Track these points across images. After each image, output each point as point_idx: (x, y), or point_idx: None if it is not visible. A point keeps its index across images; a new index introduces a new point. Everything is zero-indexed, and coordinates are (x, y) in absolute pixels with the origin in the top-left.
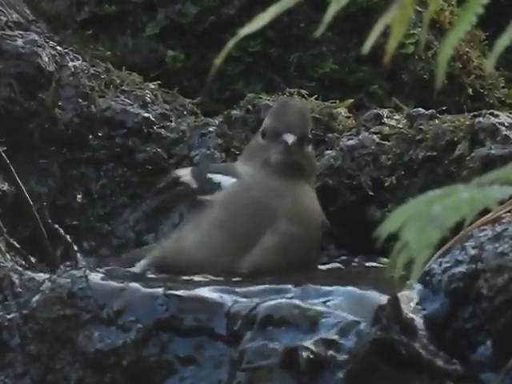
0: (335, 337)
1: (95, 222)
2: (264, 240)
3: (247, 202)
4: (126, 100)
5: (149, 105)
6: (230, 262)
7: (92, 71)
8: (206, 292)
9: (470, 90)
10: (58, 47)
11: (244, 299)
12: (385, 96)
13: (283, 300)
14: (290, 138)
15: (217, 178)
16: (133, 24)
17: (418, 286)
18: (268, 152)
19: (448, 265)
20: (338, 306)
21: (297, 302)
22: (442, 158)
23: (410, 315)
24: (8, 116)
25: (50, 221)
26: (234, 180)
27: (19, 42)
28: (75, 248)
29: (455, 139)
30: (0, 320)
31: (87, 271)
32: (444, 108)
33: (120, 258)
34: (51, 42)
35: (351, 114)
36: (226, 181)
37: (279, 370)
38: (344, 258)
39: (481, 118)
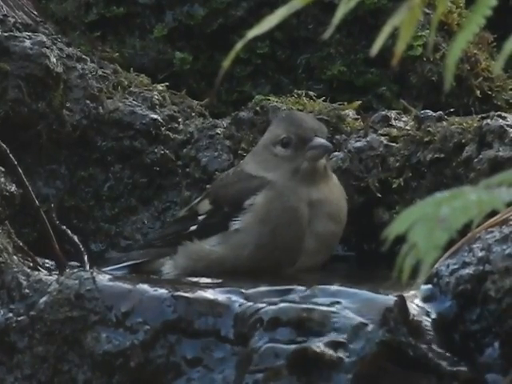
0: (343, 339)
1: (103, 224)
2: (305, 246)
3: (284, 210)
4: (134, 101)
5: (157, 106)
6: (274, 270)
7: (100, 73)
8: (213, 294)
9: (478, 92)
10: (66, 49)
11: (251, 301)
12: (393, 98)
13: (291, 302)
14: (325, 142)
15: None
16: (141, 26)
17: (426, 288)
18: (297, 161)
19: (455, 267)
20: (346, 307)
21: (304, 303)
22: (449, 159)
23: (418, 317)
24: (16, 117)
25: (57, 222)
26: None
27: (27, 43)
28: (83, 249)
29: (463, 141)
30: (8, 322)
31: (95, 273)
32: (452, 110)
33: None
34: (59, 44)
35: (359, 116)
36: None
37: (287, 371)
38: (352, 259)
39: (489, 120)
